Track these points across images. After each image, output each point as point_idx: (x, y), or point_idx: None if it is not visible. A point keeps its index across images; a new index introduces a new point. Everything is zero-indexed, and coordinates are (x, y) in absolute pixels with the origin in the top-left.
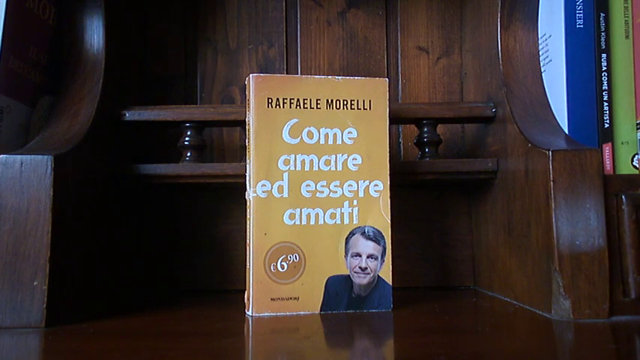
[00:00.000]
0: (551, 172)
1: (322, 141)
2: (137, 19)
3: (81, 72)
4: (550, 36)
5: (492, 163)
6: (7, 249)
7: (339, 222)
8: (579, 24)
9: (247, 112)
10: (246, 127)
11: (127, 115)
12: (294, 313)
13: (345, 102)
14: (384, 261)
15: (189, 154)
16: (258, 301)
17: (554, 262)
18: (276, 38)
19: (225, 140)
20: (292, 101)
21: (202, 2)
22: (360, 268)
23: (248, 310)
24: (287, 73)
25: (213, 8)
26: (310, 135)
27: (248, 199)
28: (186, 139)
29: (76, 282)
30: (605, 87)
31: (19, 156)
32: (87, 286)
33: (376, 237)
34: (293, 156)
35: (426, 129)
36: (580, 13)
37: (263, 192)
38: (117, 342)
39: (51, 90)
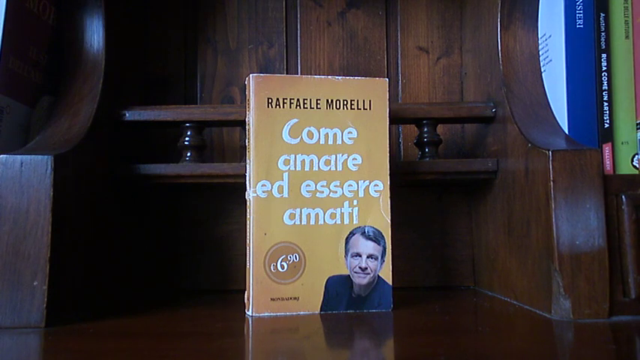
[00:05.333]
0: (551, 172)
1: (322, 141)
2: (137, 19)
3: (81, 72)
4: (550, 36)
5: (492, 163)
6: (7, 249)
7: (339, 222)
8: (579, 24)
9: (247, 112)
10: (246, 127)
11: (127, 115)
12: (294, 313)
13: (345, 102)
14: (384, 261)
15: (189, 154)
16: (258, 301)
17: (554, 262)
18: (276, 38)
19: (225, 140)
20: (292, 101)
21: (202, 2)
22: (360, 268)
23: (248, 310)
24: (287, 73)
25: (213, 8)
26: (310, 135)
27: (248, 199)
28: (186, 139)
29: (76, 282)
30: (605, 87)
31: (19, 156)
32: (87, 286)
33: (376, 237)
34: (293, 156)
35: (426, 129)
36: (580, 13)
37: (263, 192)
38: (117, 342)
39: (51, 90)
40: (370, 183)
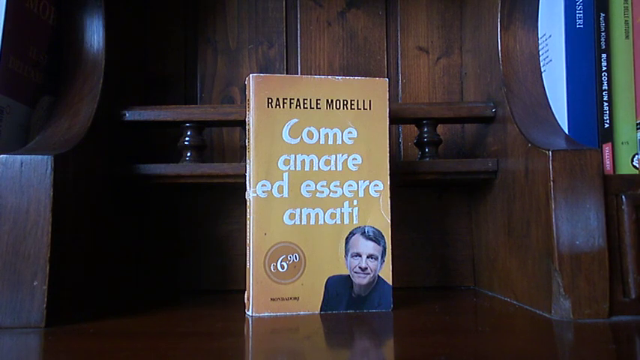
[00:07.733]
0: (551, 172)
1: (322, 141)
2: (137, 19)
3: (81, 72)
4: (550, 36)
5: (492, 163)
6: (7, 249)
7: (339, 222)
8: (579, 24)
9: (247, 112)
10: (246, 127)
11: (127, 115)
12: (294, 313)
13: (345, 102)
14: (384, 261)
15: (189, 154)
16: (258, 301)
17: (554, 262)
18: (276, 38)
19: (225, 140)
20: (292, 101)
21: (202, 2)
22: (360, 268)
23: (248, 310)
24: (287, 73)
25: (213, 8)
26: (310, 135)
27: (248, 199)
28: (186, 139)
29: (76, 282)
30: (605, 87)
31: (19, 156)
32: (87, 286)
33: (376, 237)
34: (293, 156)
35: (426, 129)
36: (580, 13)
37: (263, 192)
38: (117, 342)
39: (51, 90)
40: (370, 183)
